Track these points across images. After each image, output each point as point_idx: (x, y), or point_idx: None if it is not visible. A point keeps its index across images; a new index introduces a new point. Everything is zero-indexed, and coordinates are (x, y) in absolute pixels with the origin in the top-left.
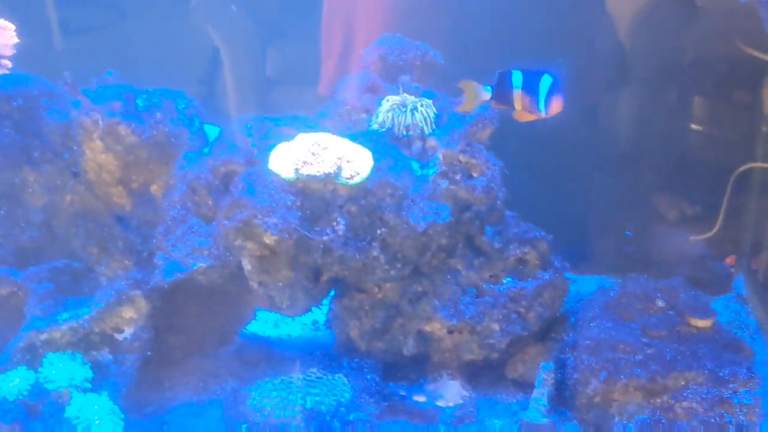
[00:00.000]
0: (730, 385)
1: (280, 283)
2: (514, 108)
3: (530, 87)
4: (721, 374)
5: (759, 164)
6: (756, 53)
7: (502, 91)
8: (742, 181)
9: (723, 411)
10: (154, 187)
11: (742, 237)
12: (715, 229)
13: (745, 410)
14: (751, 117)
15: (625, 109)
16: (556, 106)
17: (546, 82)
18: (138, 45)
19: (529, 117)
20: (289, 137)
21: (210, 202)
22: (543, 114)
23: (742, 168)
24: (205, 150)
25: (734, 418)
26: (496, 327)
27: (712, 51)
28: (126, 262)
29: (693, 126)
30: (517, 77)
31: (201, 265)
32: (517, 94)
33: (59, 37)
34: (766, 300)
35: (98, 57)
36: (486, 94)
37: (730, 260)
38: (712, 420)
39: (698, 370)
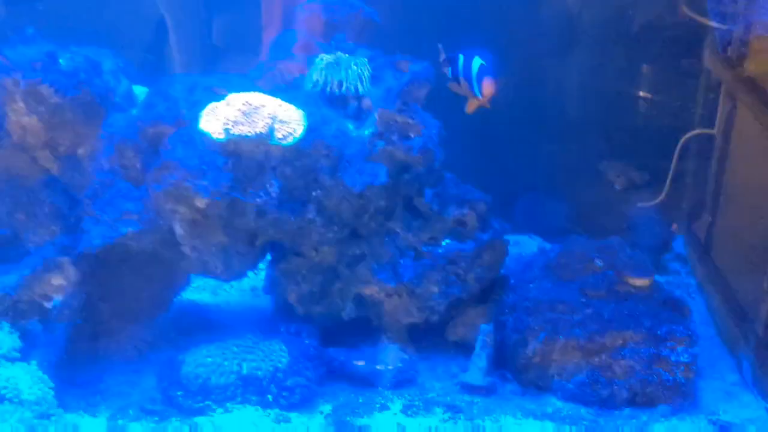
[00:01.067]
0: (668, 343)
1: (214, 248)
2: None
3: (465, 71)
4: (658, 332)
5: (704, 130)
6: (699, 18)
7: (454, 77)
8: (687, 147)
9: (660, 369)
10: (81, 151)
11: (684, 199)
12: (662, 196)
13: (682, 368)
14: (697, 83)
15: (572, 75)
16: (488, 88)
17: (476, 64)
18: (83, 14)
19: (475, 104)
20: (220, 97)
21: (138, 165)
22: (479, 98)
23: (689, 134)
24: (134, 111)
25: (671, 375)
26: (435, 289)
27: (659, 17)
28: (53, 228)
29: (640, 92)
30: (458, 61)
31: (131, 230)
32: (461, 81)
33: (2, 6)
34: (705, 260)
35: (42, 26)
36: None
37: (674, 227)
38: (650, 378)
39: (636, 329)
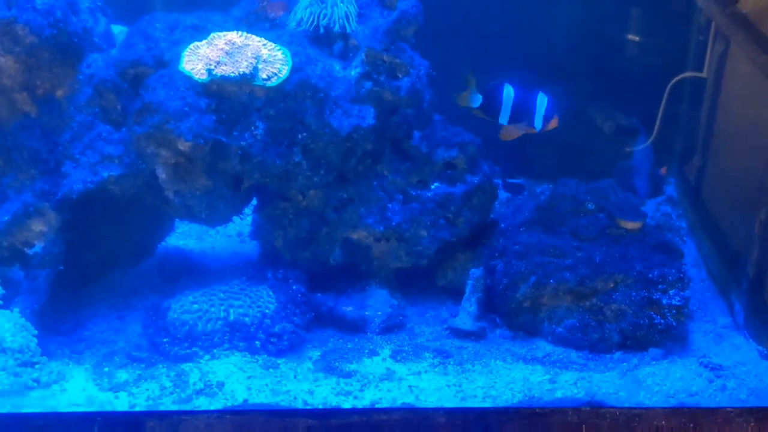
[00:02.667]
0: (659, 287)
1: (198, 192)
2: (498, 122)
3: (525, 105)
4: (650, 276)
5: (693, 73)
6: None
7: (492, 105)
8: (677, 90)
9: (652, 312)
10: (59, 92)
11: (674, 142)
12: (650, 139)
13: (674, 311)
14: (687, 25)
15: (562, 18)
16: (554, 124)
17: (542, 101)
18: None
19: (516, 133)
20: (202, 36)
21: (119, 107)
22: (536, 130)
23: (678, 77)
24: (113, 51)
25: (662, 319)
26: (424, 233)
27: None
28: (32, 172)
29: (629, 35)
30: (508, 93)
31: (112, 174)
32: (506, 109)
33: None
34: (696, 203)
35: None
36: (475, 101)
37: (663, 170)
38: (641, 322)
39: (627, 273)
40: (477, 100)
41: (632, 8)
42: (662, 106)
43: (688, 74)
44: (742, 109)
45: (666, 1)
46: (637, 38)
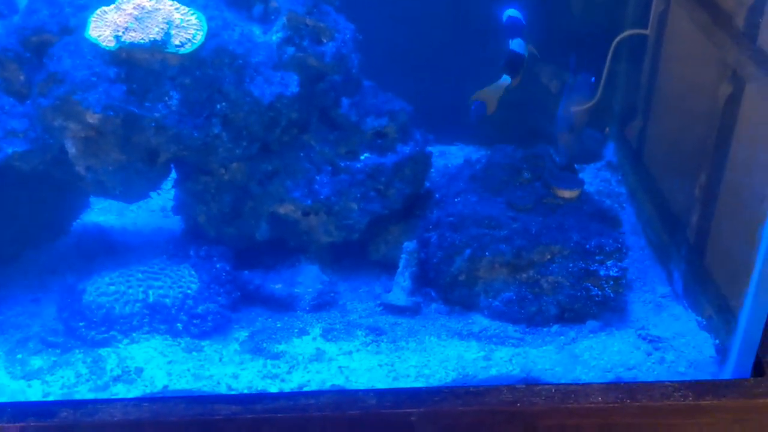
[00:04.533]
0: (597, 257)
1: (111, 167)
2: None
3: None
4: (587, 246)
5: (635, 31)
6: None
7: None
8: (619, 49)
9: (589, 284)
10: None
11: (614, 104)
12: (595, 99)
13: (611, 282)
14: None
15: None
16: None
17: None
18: None
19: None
20: (111, 1)
21: (22, 78)
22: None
23: (622, 35)
24: (15, 18)
25: (600, 290)
26: (354, 206)
27: None
28: None
29: None
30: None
31: (16, 150)
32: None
33: None
34: (637, 167)
35: None
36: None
37: (606, 131)
38: (578, 294)
39: (564, 244)
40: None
41: None
42: (607, 64)
43: (632, 32)
44: (683, 70)
45: None
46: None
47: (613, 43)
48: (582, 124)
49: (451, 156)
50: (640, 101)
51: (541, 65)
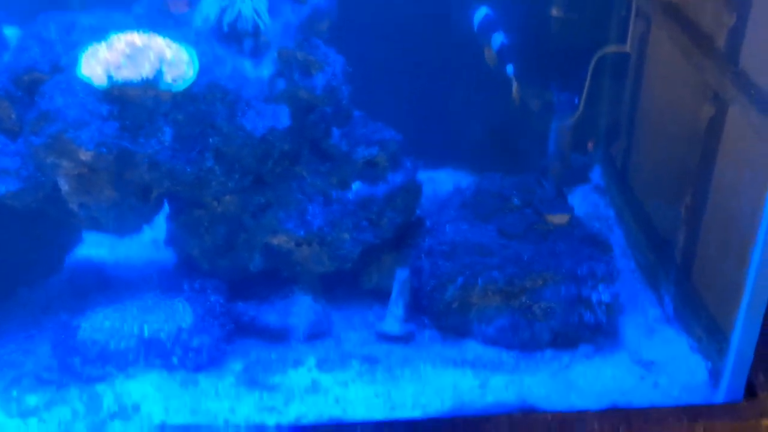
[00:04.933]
0: (588, 282)
1: (104, 204)
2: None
3: None
4: (578, 272)
5: (616, 47)
6: None
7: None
8: (601, 66)
9: (582, 309)
10: None
11: (599, 123)
12: (575, 115)
13: (603, 307)
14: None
15: None
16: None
17: None
18: None
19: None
20: (102, 38)
21: (14, 116)
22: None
23: (601, 52)
24: (5, 56)
25: (592, 315)
26: (347, 236)
27: None
28: None
29: (552, 11)
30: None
31: (9, 189)
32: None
33: None
34: (623, 188)
35: None
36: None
37: (590, 144)
38: (571, 319)
39: (556, 270)
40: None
41: None
42: (587, 82)
43: (611, 49)
44: (665, 91)
45: None
46: (559, 13)
47: (593, 60)
48: (566, 145)
49: (439, 182)
50: (624, 122)
51: (523, 85)
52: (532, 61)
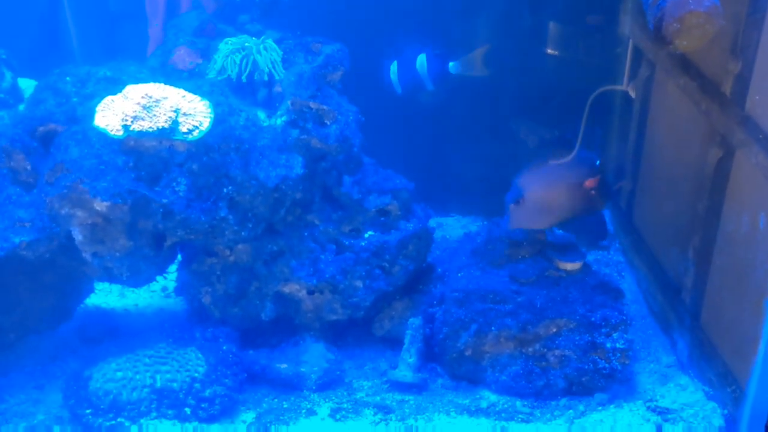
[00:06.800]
0: (602, 330)
1: (118, 253)
2: None
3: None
4: (592, 319)
5: (612, 86)
6: None
7: None
8: (608, 109)
9: (596, 357)
10: None
11: (605, 166)
12: (573, 153)
13: (618, 354)
14: (604, 39)
15: (481, 36)
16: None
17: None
18: None
19: None
20: (117, 89)
21: (29, 167)
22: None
23: (598, 91)
24: (21, 108)
25: (607, 363)
26: (359, 284)
27: None
28: None
29: (548, 50)
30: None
31: (24, 240)
32: None
33: None
34: (630, 230)
35: None
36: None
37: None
38: (585, 367)
39: (570, 317)
40: None
41: (550, 23)
42: (584, 119)
43: (607, 87)
44: (670, 135)
45: (583, 14)
46: (556, 52)
47: (590, 99)
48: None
49: (448, 228)
50: (628, 162)
51: (519, 121)
52: (530, 101)
